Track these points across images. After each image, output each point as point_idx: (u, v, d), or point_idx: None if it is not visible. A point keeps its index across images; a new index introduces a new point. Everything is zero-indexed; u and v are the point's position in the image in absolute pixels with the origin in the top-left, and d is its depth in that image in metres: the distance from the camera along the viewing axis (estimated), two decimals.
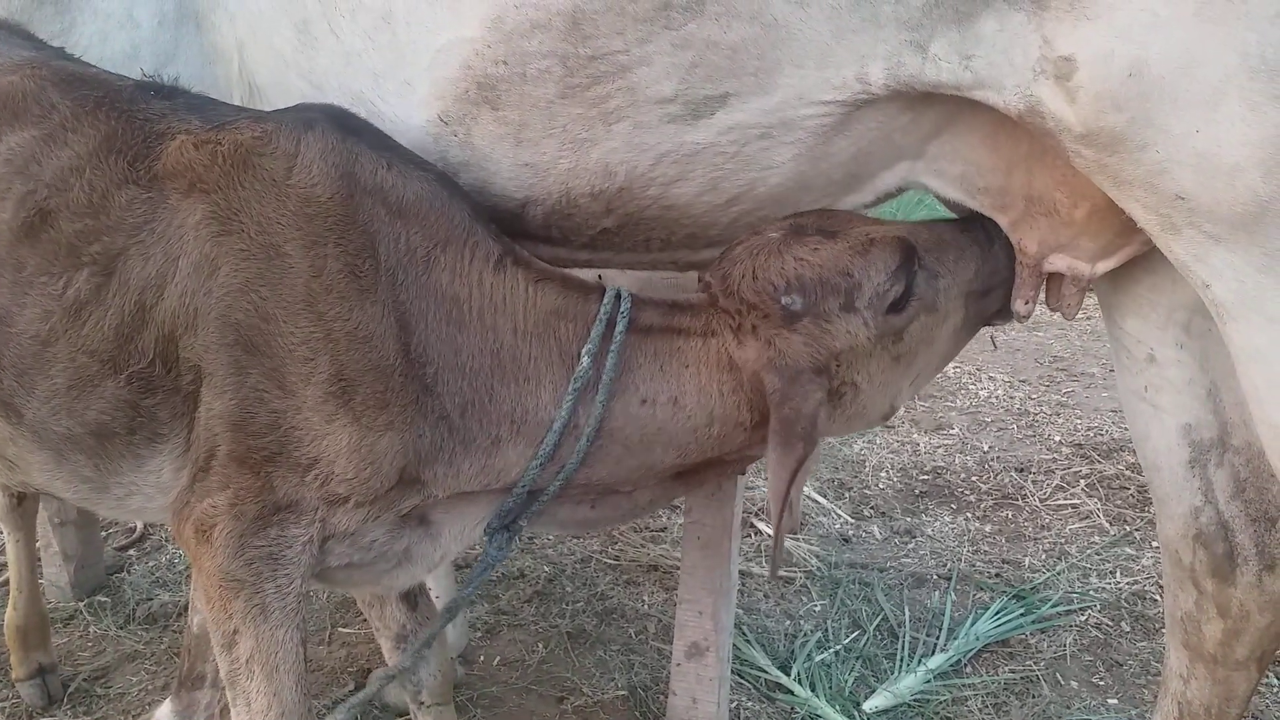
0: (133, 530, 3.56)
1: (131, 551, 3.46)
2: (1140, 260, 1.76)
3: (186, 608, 2.40)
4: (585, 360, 1.61)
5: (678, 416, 1.65)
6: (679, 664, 2.60)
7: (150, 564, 3.38)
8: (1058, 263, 1.77)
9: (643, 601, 3.23)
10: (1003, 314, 1.81)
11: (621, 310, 1.65)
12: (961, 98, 1.61)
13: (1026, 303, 1.81)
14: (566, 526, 1.84)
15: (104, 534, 3.45)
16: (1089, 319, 5.35)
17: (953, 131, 1.74)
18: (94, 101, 1.69)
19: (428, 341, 1.57)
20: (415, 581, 1.85)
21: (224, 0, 1.91)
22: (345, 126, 1.65)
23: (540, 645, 2.99)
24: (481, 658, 2.93)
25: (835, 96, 1.62)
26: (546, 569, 3.38)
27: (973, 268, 1.72)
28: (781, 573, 3.38)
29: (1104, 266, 1.77)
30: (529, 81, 1.65)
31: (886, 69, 1.58)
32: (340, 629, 2.99)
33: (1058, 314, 1.88)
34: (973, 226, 1.79)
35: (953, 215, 1.89)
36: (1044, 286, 1.84)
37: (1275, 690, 2.59)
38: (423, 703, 2.15)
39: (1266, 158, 1.42)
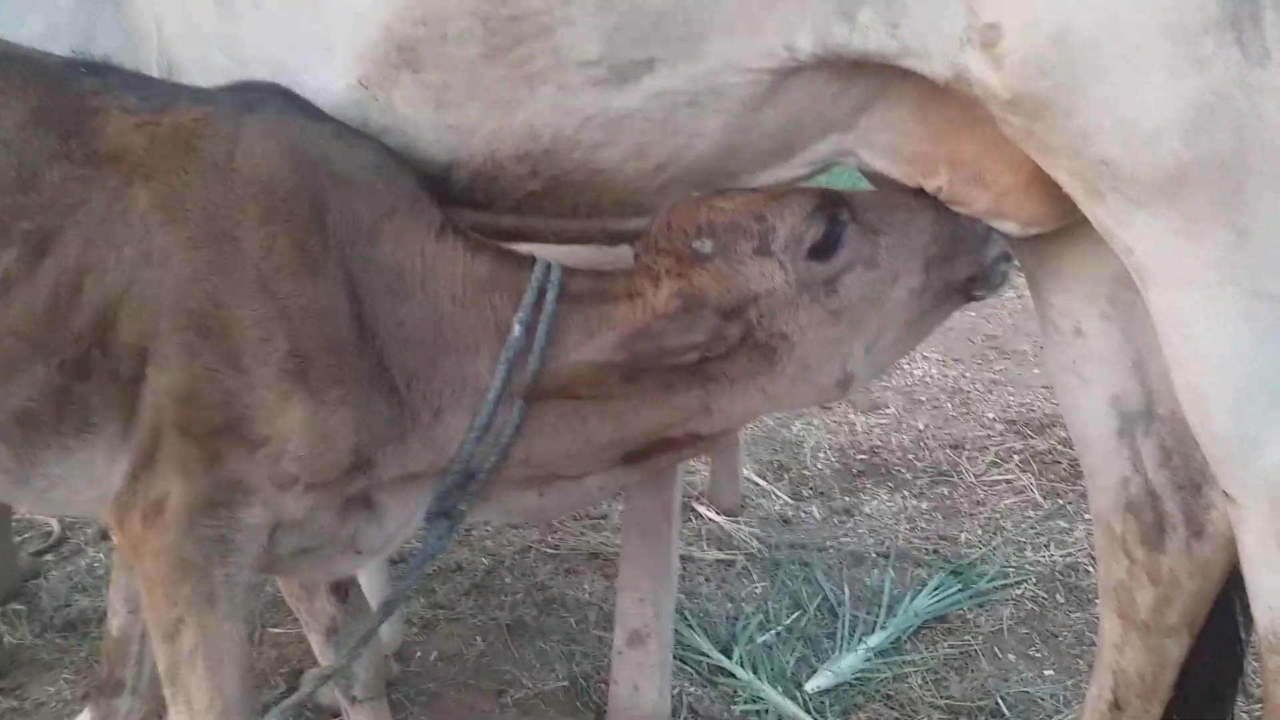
0: (49, 534, 3.42)
1: (49, 556, 3.32)
2: (1065, 234, 1.78)
3: (106, 613, 2.31)
4: (518, 328, 1.61)
5: None
6: (620, 652, 2.57)
7: (68, 569, 3.25)
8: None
9: (583, 590, 3.19)
10: (981, 283, 1.76)
11: (552, 279, 1.65)
12: (890, 67, 1.61)
13: None
14: (515, 515, 1.84)
15: (18, 539, 3.31)
16: (1020, 297, 5.43)
17: (884, 104, 1.74)
18: (20, 77, 1.62)
19: (375, 314, 1.57)
20: (360, 568, 1.83)
21: None
22: (287, 102, 1.63)
23: (479, 638, 2.94)
24: (418, 654, 2.87)
25: (764, 64, 1.62)
26: (485, 561, 3.32)
27: (927, 230, 1.69)
28: (722, 555, 3.37)
29: (1032, 231, 1.76)
30: (450, 43, 1.62)
31: (814, 37, 1.58)
32: (270, 629, 2.91)
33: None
34: (929, 194, 1.77)
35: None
36: None
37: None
38: (355, 697, 2.10)
39: (1187, 121, 1.45)
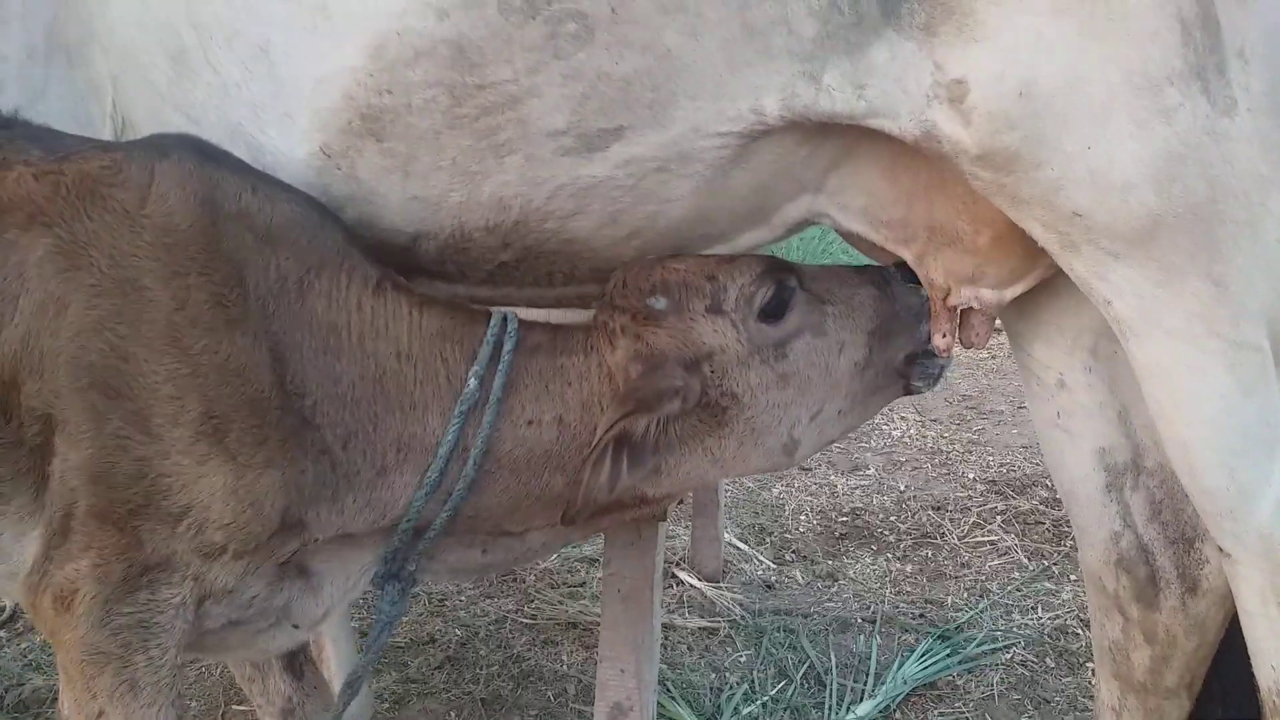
0: (1, 610, 3.30)
1: (0, 633, 3.20)
2: (1044, 286, 1.77)
3: (59, 692, 2.20)
4: (472, 382, 1.59)
5: (563, 435, 1.64)
6: None
7: (22, 646, 3.12)
8: (965, 294, 1.76)
9: (561, 662, 3.10)
10: (919, 373, 1.80)
11: (509, 331, 1.65)
12: (858, 127, 1.61)
13: (944, 335, 1.79)
14: (458, 573, 1.79)
15: None
16: (993, 358, 5.47)
17: (852, 163, 1.74)
18: None
19: (304, 372, 1.52)
20: (295, 643, 1.74)
21: (96, 33, 1.82)
22: (203, 153, 1.57)
23: (453, 714, 2.83)
24: None
25: (731, 128, 1.61)
26: (458, 632, 3.23)
27: (869, 303, 1.75)
28: (704, 623, 3.29)
29: (1012, 293, 1.76)
30: (414, 112, 1.60)
31: (781, 100, 1.58)
32: (234, 706, 2.80)
33: (965, 353, 1.87)
34: (869, 269, 1.83)
35: (862, 258, 1.90)
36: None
37: None
38: None
39: (1157, 172, 1.45)
